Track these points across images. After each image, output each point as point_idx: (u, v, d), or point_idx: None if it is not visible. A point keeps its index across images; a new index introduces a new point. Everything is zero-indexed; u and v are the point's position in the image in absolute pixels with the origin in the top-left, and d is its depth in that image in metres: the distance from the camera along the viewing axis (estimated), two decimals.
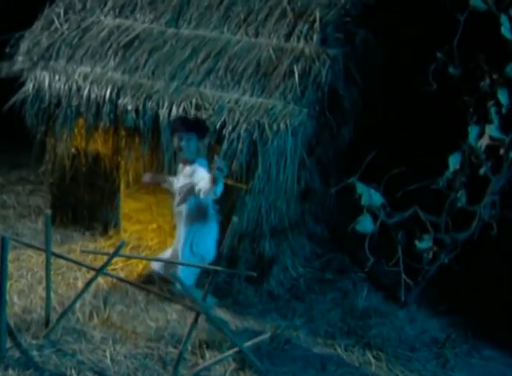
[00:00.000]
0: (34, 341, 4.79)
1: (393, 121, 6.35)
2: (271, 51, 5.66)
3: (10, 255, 5.20)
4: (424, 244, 5.41)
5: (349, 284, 5.91)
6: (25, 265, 5.77)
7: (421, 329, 5.39)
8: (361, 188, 5.18)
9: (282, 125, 5.25)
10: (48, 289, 4.89)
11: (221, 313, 5.27)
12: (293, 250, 6.04)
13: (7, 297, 4.71)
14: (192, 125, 4.92)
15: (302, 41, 5.66)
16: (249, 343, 4.84)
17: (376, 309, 5.57)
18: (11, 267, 5.37)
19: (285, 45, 5.70)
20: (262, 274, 5.63)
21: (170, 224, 6.38)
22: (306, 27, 5.71)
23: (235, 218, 4.67)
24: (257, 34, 5.82)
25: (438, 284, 5.72)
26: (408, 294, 5.63)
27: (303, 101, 5.37)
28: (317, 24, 5.68)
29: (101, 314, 5.19)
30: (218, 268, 4.68)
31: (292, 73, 5.46)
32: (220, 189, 4.54)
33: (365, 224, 5.24)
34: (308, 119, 5.42)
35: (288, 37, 5.73)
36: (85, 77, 6.00)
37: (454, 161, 5.35)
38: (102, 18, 6.40)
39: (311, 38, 5.65)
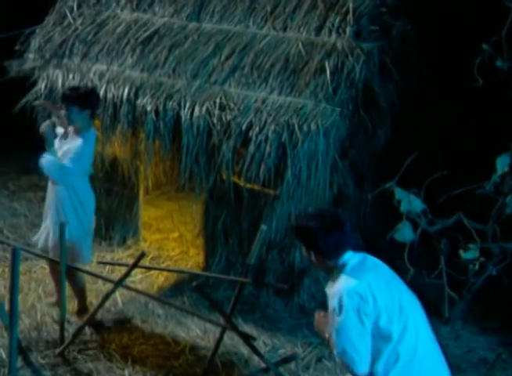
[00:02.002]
0: (46, 360, 4.90)
1: (434, 120, 6.36)
2: (300, 46, 5.72)
3: (21, 267, 5.34)
4: (470, 254, 5.41)
5: None
6: (37, 277, 5.90)
7: (467, 348, 5.38)
8: (400, 193, 5.21)
9: (313, 126, 5.30)
10: (62, 303, 4.98)
11: (249, 329, 5.34)
12: None
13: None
14: (72, 95, 5.06)
15: (334, 35, 5.70)
16: (278, 361, 4.90)
17: None
18: (22, 279, 5.50)
19: (315, 39, 5.75)
20: (292, 287, 5.69)
21: (192, 233, 6.48)
22: (338, 19, 5.76)
23: (263, 227, 4.74)
24: (285, 28, 5.89)
25: (485, 298, 5.69)
26: (452, 309, 5.63)
27: (335, 100, 5.42)
28: (350, 16, 5.72)
29: (118, 330, 5.30)
30: (245, 280, 4.74)
31: (323, 69, 5.51)
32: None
33: (405, 232, 5.27)
34: (340, 119, 5.46)
35: (319, 30, 5.78)
36: (101, 76, 6.12)
37: (502, 163, 5.33)
38: (119, 12, 6.53)
39: (344, 31, 5.69)
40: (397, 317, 3.34)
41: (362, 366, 3.28)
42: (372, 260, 3.49)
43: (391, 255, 6.12)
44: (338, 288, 3.33)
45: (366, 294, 3.29)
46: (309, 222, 3.41)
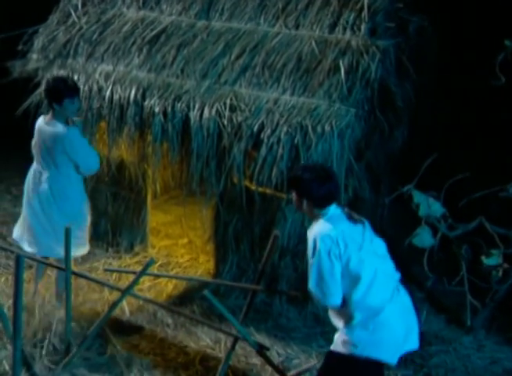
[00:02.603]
0: (51, 372, 4.89)
1: (453, 120, 6.35)
2: (313, 44, 5.72)
3: (26, 275, 5.36)
4: (492, 260, 5.39)
5: None
6: (42, 284, 5.91)
7: (491, 358, 5.35)
8: (418, 197, 5.20)
9: (327, 127, 5.30)
10: (68, 312, 4.99)
11: (261, 338, 5.34)
12: None
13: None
14: (46, 89, 5.36)
15: (348, 32, 5.70)
16: (292, 373, 4.89)
17: (438, 334, 5.56)
18: (26, 288, 5.51)
19: (329, 36, 5.75)
20: (306, 294, 5.68)
21: (202, 238, 6.48)
22: (352, 15, 5.76)
23: (276, 232, 4.74)
24: (297, 26, 5.89)
25: (509, 306, 5.67)
26: (474, 317, 5.61)
27: (350, 100, 5.41)
28: (365, 12, 5.71)
29: (126, 340, 5.30)
30: (257, 287, 4.74)
31: (337, 68, 5.51)
32: None
33: (424, 237, 5.26)
34: (355, 120, 5.46)
35: (332, 27, 5.78)
36: (107, 77, 6.15)
37: None
38: (125, 10, 6.56)
39: (359, 29, 5.69)
40: (368, 263, 3.96)
41: (332, 300, 3.95)
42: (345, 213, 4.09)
43: (409, 261, 6.14)
44: (314, 232, 3.95)
45: (338, 239, 3.90)
46: (304, 174, 4.00)
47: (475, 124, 6.40)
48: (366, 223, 4.17)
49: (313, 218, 4.07)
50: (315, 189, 3.97)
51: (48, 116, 5.36)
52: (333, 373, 4.13)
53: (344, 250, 3.90)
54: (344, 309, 3.99)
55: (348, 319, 4.00)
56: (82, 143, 5.31)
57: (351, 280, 3.94)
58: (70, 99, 5.20)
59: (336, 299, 3.96)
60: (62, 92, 5.18)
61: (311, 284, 3.97)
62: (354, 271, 3.92)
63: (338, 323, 4.10)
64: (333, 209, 4.03)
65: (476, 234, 5.39)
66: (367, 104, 5.65)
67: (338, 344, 4.07)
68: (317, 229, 3.96)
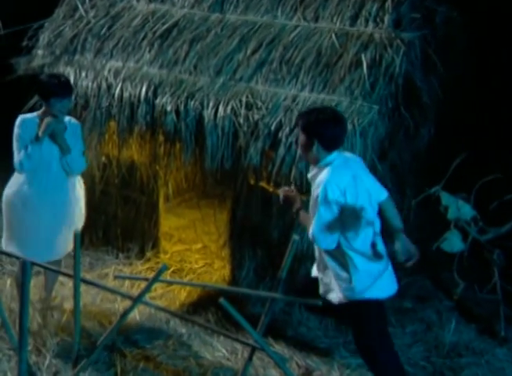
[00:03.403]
0: None
1: (483, 117, 6.34)
2: (334, 37, 5.73)
3: (32, 282, 5.42)
4: None
5: (433, 315, 5.92)
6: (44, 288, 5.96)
7: None
8: (447, 199, 5.20)
9: (348, 126, 5.30)
10: (77, 321, 5.03)
11: (280, 349, 5.36)
12: None
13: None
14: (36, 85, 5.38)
15: (371, 25, 5.71)
16: None
17: (468, 345, 5.55)
18: (33, 295, 5.57)
19: (350, 29, 5.77)
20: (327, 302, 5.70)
21: (217, 243, 6.51)
22: (375, 7, 5.77)
23: (295, 237, 4.75)
24: (316, 18, 5.91)
25: None
26: (508, 327, 5.59)
27: (373, 96, 5.42)
28: (389, 3, 5.73)
29: (136, 350, 5.33)
30: (276, 295, 4.76)
31: (359, 63, 5.52)
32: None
33: (453, 242, 5.25)
34: (379, 117, 5.46)
35: (354, 20, 5.80)
36: (116, 74, 6.19)
37: None
38: (135, 3, 6.60)
39: (382, 20, 5.70)
40: (370, 207, 4.42)
41: (329, 244, 4.40)
42: (353, 159, 4.56)
43: (437, 268, 6.14)
44: (324, 180, 4.32)
45: (346, 188, 4.32)
46: (319, 115, 4.38)
47: (507, 122, 6.37)
48: (363, 164, 4.63)
49: (316, 162, 4.42)
50: (329, 129, 4.33)
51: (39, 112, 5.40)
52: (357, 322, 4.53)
53: (350, 198, 4.31)
54: (344, 255, 4.42)
55: (348, 266, 4.43)
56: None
57: (357, 225, 4.37)
58: (58, 98, 5.19)
59: (332, 244, 4.40)
60: (50, 89, 5.19)
61: (315, 229, 4.35)
62: (359, 217, 4.35)
63: (333, 272, 4.50)
64: (339, 156, 4.41)
65: (509, 238, 5.37)
66: (391, 101, 5.65)
67: (338, 294, 4.52)
68: (326, 177, 4.32)
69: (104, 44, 6.43)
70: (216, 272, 6.36)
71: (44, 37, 6.70)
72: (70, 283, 5.77)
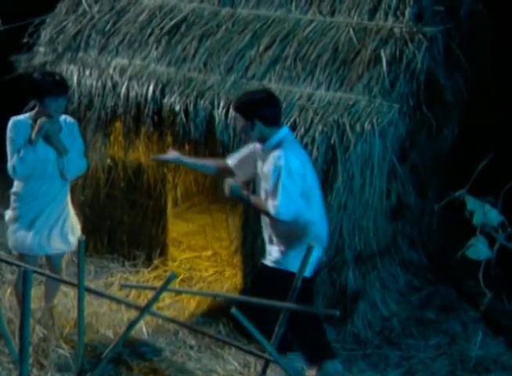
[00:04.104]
0: None
1: (510, 115, 6.32)
2: (351, 32, 5.74)
3: (34, 291, 5.45)
4: None
5: (458, 326, 5.91)
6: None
7: None
8: (472, 203, 5.17)
9: (367, 125, 5.32)
10: (80, 333, 5.04)
11: (295, 361, 5.36)
12: (383, 282, 6.08)
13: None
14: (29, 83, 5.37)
15: (391, 18, 5.71)
16: None
17: (496, 359, 5.53)
18: (35, 305, 5.60)
19: (369, 23, 5.77)
20: (345, 312, 5.70)
21: (228, 250, 6.52)
22: None
23: (310, 243, 4.76)
24: (333, 12, 5.92)
25: None
26: None
27: (393, 94, 5.42)
28: None
29: (143, 363, 5.34)
30: (290, 305, 4.77)
31: (378, 59, 5.53)
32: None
33: (479, 249, 5.22)
34: (399, 117, 5.47)
35: (373, 13, 5.80)
36: (122, 72, 6.23)
37: None
38: None
39: (403, 14, 5.69)
40: (315, 182, 4.94)
41: (290, 216, 4.72)
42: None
43: (462, 276, 6.12)
44: (282, 153, 4.69)
45: (303, 160, 4.80)
46: (255, 95, 4.89)
47: None
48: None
49: (264, 140, 4.80)
50: (266, 106, 4.78)
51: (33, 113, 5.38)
52: (265, 286, 4.83)
53: (305, 172, 4.75)
54: (293, 226, 4.78)
55: (293, 236, 4.81)
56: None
57: (308, 199, 4.79)
58: (53, 98, 5.15)
59: (294, 215, 4.74)
60: (45, 88, 5.15)
61: (281, 202, 4.67)
62: (310, 191, 4.79)
63: (277, 238, 4.89)
64: (290, 132, 4.94)
65: None
66: (412, 99, 5.65)
67: (274, 259, 4.90)
68: (284, 151, 4.70)
69: (109, 40, 6.46)
70: (227, 280, 6.37)
71: (45, 34, 6.75)
72: (72, 292, 5.83)
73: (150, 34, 6.33)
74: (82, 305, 4.95)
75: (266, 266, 5.00)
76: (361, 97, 5.45)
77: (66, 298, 5.92)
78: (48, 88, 5.14)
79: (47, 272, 5.37)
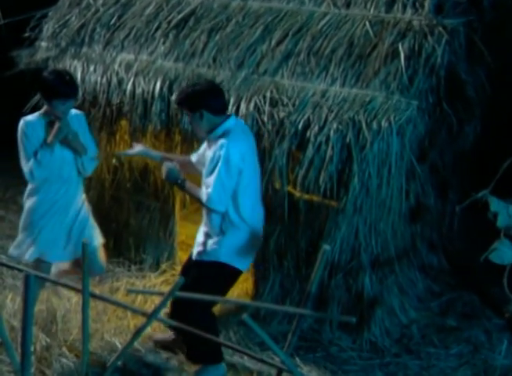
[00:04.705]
0: None
1: None
2: (367, 25, 5.75)
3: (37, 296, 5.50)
4: None
5: (481, 334, 5.91)
6: (56, 307, 6.02)
7: None
8: (496, 204, 5.16)
9: (384, 123, 5.33)
10: (85, 341, 5.07)
11: (309, 370, 5.38)
12: (401, 287, 6.08)
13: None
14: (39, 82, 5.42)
15: (409, 11, 5.71)
16: None
17: None
18: (38, 311, 5.64)
19: (386, 16, 5.78)
20: (362, 319, 5.72)
21: None
22: None
23: (325, 247, 4.77)
24: (348, 4, 5.92)
25: None
26: None
27: (411, 90, 5.43)
28: None
29: (150, 372, 5.36)
30: (304, 311, 4.78)
31: (396, 53, 5.53)
32: None
33: (504, 252, 5.21)
34: (418, 114, 5.47)
35: (390, 5, 5.80)
36: (128, 67, 6.26)
37: None
38: None
39: (422, 6, 5.69)
40: (255, 175, 5.14)
41: (223, 207, 4.94)
42: (246, 127, 5.30)
43: (485, 281, 6.11)
44: (225, 142, 4.87)
45: (244, 153, 4.96)
46: (195, 87, 5.02)
47: None
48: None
49: (213, 130, 4.96)
50: (212, 97, 4.96)
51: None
52: (204, 282, 4.94)
53: (244, 165, 4.93)
54: (226, 218, 4.99)
55: (224, 229, 5.02)
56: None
57: (244, 191, 4.99)
58: (61, 100, 5.16)
59: (226, 206, 4.95)
60: (53, 90, 5.16)
61: (214, 190, 4.86)
62: (246, 183, 4.98)
63: (211, 230, 5.06)
64: (237, 122, 5.11)
65: None
66: (432, 95, 5.66)
67: (208, 252, 5.07)
68: (227, 141, 4.87)
69: (114, 35, 6.49)
70: (238, 285, 6.35)
71: (48, 28, 6.78)
72: (76, 297, 5.86)
73: (157, 28, 6.35)
74: (87, 311, 4.97)
75: (202, 262, 5.11)
76: (378, 93, 5.46)
77: (69, 303, 5.96)
78: (57, 91, 5.15)
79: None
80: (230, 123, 4.99)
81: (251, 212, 5.10)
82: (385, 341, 5.74)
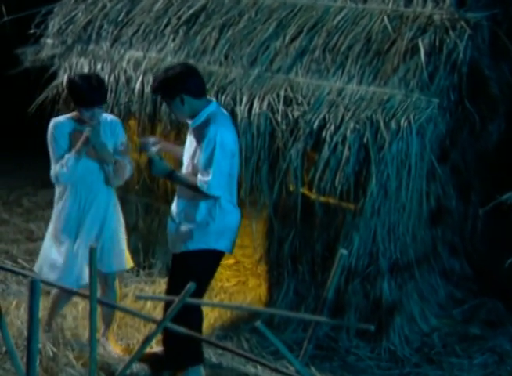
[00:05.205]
0: None
1: None
2: (386, 20, 5.74)
3: (43, 303, 5.50)
4: None
5: (506, 343, 5.88)
6: (61, 313, 6.04)
7: None
8: None
9: (403, 122, 5.32)
10: (93, 349, 5.09)
11: None
12: (421, 293, 6.07)
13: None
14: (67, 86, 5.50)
15: (430, 4, 5.70)
16: None
17: None
18: (42, 317, 5.66)
19: (405, 10, 5.77)
20: (380, 327, 5.71)
21: (252, 258, 6.56)
22: None
23: (342, 251, 4.78)
24: None
25: None
26: None
27: (432, 88, 5.42)
28: None
29: None
30: (320, 318, 4.79)
31: (416, 49, 5.53)
32: None
33: None
34: (439, 113, 5.47)
35: None
36: (136, 65, 6.29)
37: None
38: None
39: None
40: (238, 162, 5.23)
41: (220, 191, 4.99)
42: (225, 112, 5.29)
43: (510, 287, 6.08)
44: (219, 129, 4.91)
45: (234, 138, 5.06)
46: (168, 72, 5.01)
47: None
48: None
49: (196, 114, 4.98)
50: (189, 79, 4.96)
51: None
52: (194, 271, 4.98)
53: (235, 148, 5.06)
54: (218, 203, 5.03)
55: (215, 214, 5.05)
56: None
57: (234, 176, 5.10)
58: (86, 108, 5.13)
59: (224, 191, 5.02)
60: (79, 97, 5.15)
61: (212, 178, 4.89)
62: (235, 168, 5.10)
63: (198, 217, 5.06)
64: (218, 107, 5.13)
65: None
66: (453, 93, 5.64)
67: (196, 240, 5.08)
68: (217, 125, 4.92)
69: (122, 31, 6.53)
70: (251, 291, 6.40)
71: (53, 24, 6.83)
72: (82, 303, 5.88)
73: (167, 24, 6.38)
74: (94, 318, 4.98)
75: (188, 252, 5.12)
76: (396, 91, 5.45)
77: (75, 309, 5.98)
78: (83, 97, 5.13)
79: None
80: (213, 107, 5.02)
81: (235, 193, 5.20)
82: (405, 350, 5.72)
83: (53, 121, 5.31)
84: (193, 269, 5.03)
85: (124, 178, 5.44)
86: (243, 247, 6.82)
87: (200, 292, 4.96)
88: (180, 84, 4.93)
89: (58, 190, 5.42)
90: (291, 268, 6.00)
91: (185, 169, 5.09)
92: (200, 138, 4.94)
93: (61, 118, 5.34)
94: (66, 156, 5.19)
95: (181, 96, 4.92)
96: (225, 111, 5.25)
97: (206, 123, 4.95)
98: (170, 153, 5.51)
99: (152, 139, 5.19)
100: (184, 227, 5.12)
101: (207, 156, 4.89)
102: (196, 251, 5.10)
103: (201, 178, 4.93)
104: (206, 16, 6.31)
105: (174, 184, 5.48)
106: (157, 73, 5.36)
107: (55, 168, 5.23)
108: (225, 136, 4.92)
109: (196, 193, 5.00)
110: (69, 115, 5.35)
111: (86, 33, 6.67)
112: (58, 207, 5.40)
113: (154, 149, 5.07)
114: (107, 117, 5.40)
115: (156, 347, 5.44)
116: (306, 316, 5.09)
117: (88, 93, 5.10)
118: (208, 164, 4.89)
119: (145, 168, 6.27)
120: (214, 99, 5.21)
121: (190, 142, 5.07)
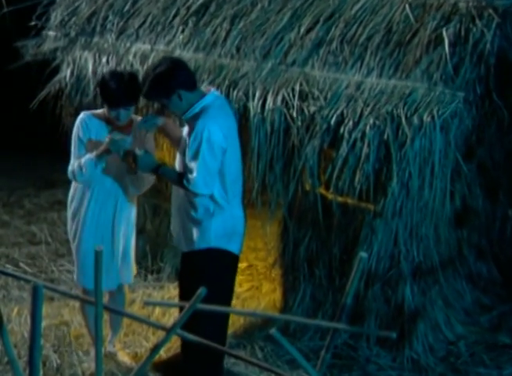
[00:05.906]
0: None
1: None
2: (407, 9, 5.73)
3: (45, 310, 5.55)
4: None
5: None
6: (66, 320, 6.07)
7: None
8: None
9: (426, 118, 5.32)
10: (98, 357, 5.13)
11: None
12: (446, 299, 6.07)
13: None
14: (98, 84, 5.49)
15: None
16: None
17: None
18: (48, 327, 5.70)
19: None
20: (402, 334, 5.71)
21: (266, 262, 6.57)
22: None
23: (361, 254, 4.78)
24: None
25: None
26: None
27: (457, 81, 5.41)
28: None
29: None
30: (339, 325, 4.80)
31: (440, 40, 5.51)
32: None
33: None
34: (464, 107, 5.45)
35: None
36: (143, 58, 6.30)
37: None
38: None
39: None
40: (237, 157, 5.19)
41: (209, 190, 5.00)
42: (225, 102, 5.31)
43: None
44: (207, 124, 4.91)
45: (227, 132, 5.01)
46: (157, 70, 4.95)
47: None
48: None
49: (190, 106, 4.97)
50: (183, 73, 4.97)
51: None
52: (205, 273, 5.02)
53: (227, 144, 4.98)
54: (214, 200, 5.05)
55: (212, 211, 5.07)
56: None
57: (226, 173, 5.04)
58: (111, 108, 5.10)
59: (212, 189, 5.01)
60: (105, 95, 5.13)
61: (198, 176, 4.91)
62: (228, 164, 5.03)
63: (196, 215, 5.09)
64: (217, 97, 5.13)
65: None
66: (480, 86, 5.63)
67: (197, 240, 5.11)
68: (206, 121, 4.91)
69: (128, 23, 6.55)
70: (265, 296, 6.41)
71: (56, 16, 6.85)
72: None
73: (175, 15, 6.39)
74: (100, 325, 5.00)
75: (193, 252, 5.14)
76: (419, 85, 5.45)
77: (80, 316, 6.00)
78: (110, 97, 5.10)
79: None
80: (208, 100, 4.99)
81: (236, 193, 5.18)
82: (429, 360, 5.71)
83: (82, 115, 5.28)
84: (200, 270, 5.06)
85: (143, 189, 5.46)
86: (256, 250, 6.86)
87: (215, 297, 4.93)
88: (173, 80, 4.92)
89: (74, 186, 5.39)
90: (307, 272, 6.02)
91: (177, 164, 5.12)
92: (190, 132, 4.97)
93: (90, 113, 5.30)
94: (87, 156, 5.13)
95: (178, 92, 4.92)
96: (225, 102, 5.25)
97: (196, 116, 4.95)
98: (168, 138, 5.49)
99: (151, 117, 5.24)
100: (184, 225, 5.15)
101: (193, 152, 4.90)
102: (198, 251, 5.12)
103: (186, 175, 4.95)
104: (216, 6, 6.32)
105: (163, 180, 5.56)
106: (144, 75, 5.11)
107: (73, 165, 5.20)
108: (213, 131, 4.88)
109: (185, 190, 5.02)
110: (99, 111, 5.33)
111: (90, 25, 6.69)
112: (74, 205, 5.38)
113: (159, 122, 5.13)
114: (136, 118, 5.35)
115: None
116: (323, 323, 5.10)
117: (114, 92, 5.06)
118: (194, 161, 4.90)
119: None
120: (213, 90, 5.18)
121: (184, 135, 5.09)
